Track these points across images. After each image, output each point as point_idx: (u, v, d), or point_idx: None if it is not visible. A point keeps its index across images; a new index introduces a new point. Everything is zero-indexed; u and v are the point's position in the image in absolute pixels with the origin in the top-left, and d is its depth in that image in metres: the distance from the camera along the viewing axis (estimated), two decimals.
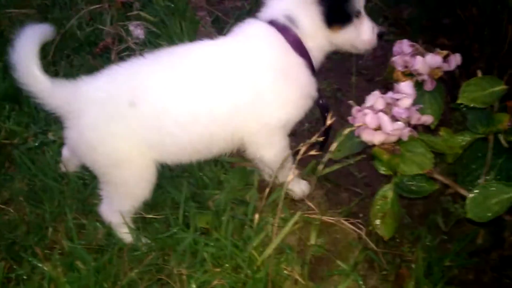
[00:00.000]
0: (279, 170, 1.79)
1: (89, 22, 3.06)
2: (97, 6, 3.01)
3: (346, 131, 1.48)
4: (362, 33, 1.87)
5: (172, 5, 2.90)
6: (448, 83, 2.53)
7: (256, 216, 1.64)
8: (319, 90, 1.94)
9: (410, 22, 3.24)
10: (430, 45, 3.16)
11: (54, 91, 1.70)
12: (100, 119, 1.69)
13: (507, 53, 2.55)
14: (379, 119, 1.44)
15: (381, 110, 1.45)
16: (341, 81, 2.86)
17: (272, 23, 1.81)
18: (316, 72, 1.90)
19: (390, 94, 1.49)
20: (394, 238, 1.95)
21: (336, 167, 1.94)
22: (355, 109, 1.52)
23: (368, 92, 1.67)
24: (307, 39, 1.82)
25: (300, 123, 2.56)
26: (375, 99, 1.47)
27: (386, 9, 3.35)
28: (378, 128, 1.45)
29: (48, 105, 1.72)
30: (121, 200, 1.80)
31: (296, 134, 2.51)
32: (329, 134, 1.89)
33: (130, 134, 1.69)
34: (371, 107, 1.47)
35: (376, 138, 1.45)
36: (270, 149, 1.87)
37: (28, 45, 1.66)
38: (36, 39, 1.67)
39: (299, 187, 1.99)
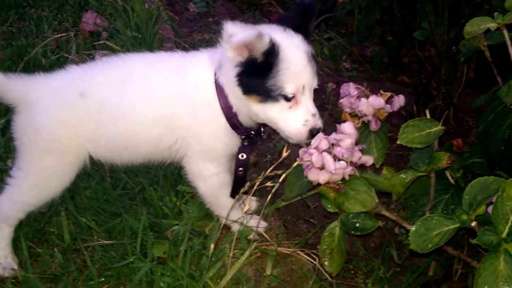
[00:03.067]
0: (214, 205, 1.89)
1: (54, 50, 3.07)
2: (64, 34, 3.03)
3: (292, 169, 1.53)
4: (288, 120, 1.69)
5: (139, 36, 2.94)
6: (407, 120, 2.63)
7: (212, 246, 1.65)
8: (247, 147, 1.86)
9: (373, 59, 3.36)
10: (391, 82, 3.29)
11: (9, 83, 1.79)
12: (52, 106, 1.80)
13: (462, 91, 2.67)
14: (323, 159, 1.48)
15: (325, 150, 1.50)
16: None
17: (213, 63, 1.79)
18: (241, 126, 1.80)
19: (333, 135, 1.54)
20: (349, 269, 1.99)
21: (294, 199, 1.96)
22: (301, 150, 1.56)
23: (332, 127, 1.71)
24: (228, 93, 1.75)
25: (263, 154, 2.62)
26: (319, 139, 1.52)
27: (350, 47, 3.46)
28: (323, 168, 1.50)
29: (3, 98, 1.81)
30: (30, 190, 1.84)
31: (258, 166, 2.55)
32: (243, 182, 1.81)
33: (75, 124, 1.79)
34: (316, 148, 1.52)
35: (321, 177, 1.49)
36: (202, 181, 1.89)
37: None
38: None
39: (253, 224, 1.95)
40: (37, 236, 1.95)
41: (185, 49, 3.15)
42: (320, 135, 1.56)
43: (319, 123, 1.69)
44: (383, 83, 3.22)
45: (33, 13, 3.58)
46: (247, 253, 1.72)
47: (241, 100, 1.71)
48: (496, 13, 1.63)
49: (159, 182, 2.18)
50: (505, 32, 1.64)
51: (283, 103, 1.67)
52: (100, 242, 1.89)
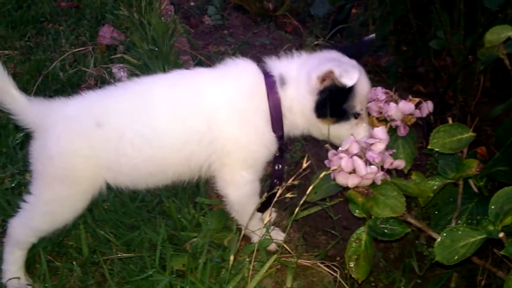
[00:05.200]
0: (240, 214, 1.88)
1: (72, 64, 3.11)
2: (82, 48, 3.06)
3: (322, 174, 1.52)
4: (359, 134, 1.78)
5: (156, 49, 2.96)
6: (424, 129, 2.61)
7: (231, 258, 1.64)
8: (281, 158, 1.92)
9: (388, 69, 3.35)
10: (406, 92, 3.28)
11: (29, 107, 1.80)
12: (65, 133, 1.78)
13: (479, 100, 2.64)
14: (354, 163, 1.47)
15: (356, 154, 1.49)
16: None
17: (265, 72, 1.84)
18: (283, 139, 1.87)
19: (364, 138, 1.54)
20: (369, 281, 1.97)
21: (313, 210, 1.95)
22: (331, 152, 1.56)
23: None
24: (286, 109, 1.82)
25: None
26: (350, 143, 1.51)
27: (364, 57, 3.45)
28: (353, 172, 1.49)
29: (23, 121, 1.81)
30: (42, 217, 1.83)
31: None
32: (272, 199, 1.79)
33: (91, 153, 1.76)
34: (346, 151, 1.51)
35: (350, 182, 1.49)
36: (234, 189, 1.88)
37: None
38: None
39: (275, 236, 1.96)
40: (56, 250, 1.96)
41: (201, 61, 3.17)
42: (351, 138, 1.55)
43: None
44: (398, 92, 3.20)
45: (51, 28, 3.61)
46: (267, 265, 1.71)
47: (310, 121, 1.83)
48: None
49: (177, 195, 2.18)
50: None
51: (352, 120, 1.81)
52: (119, 255, 1.89)
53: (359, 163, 1.48)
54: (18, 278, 1.84)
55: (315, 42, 3.09)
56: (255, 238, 1.92)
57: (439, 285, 1.87)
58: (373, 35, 1.96)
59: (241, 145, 1.81)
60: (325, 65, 1.73)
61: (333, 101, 1.77)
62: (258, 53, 3.72)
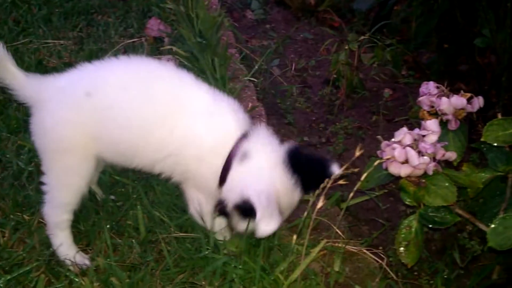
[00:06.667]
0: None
1: (123, 55, 3.22)
2: (134, 40, 3.18)
3: (376, 163, 1.59)
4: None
5: (204, 42, 3.05)
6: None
7: (294, 237, 1.71)
8: None
9: (429, 67, 3.38)
10: (448, 90, 3.30)
11: (27, 83, 1.88)
12: (59, 105, 1.84)
13: None
14: (407, 153, 1.54)
15: (409, 145, 1.56)
16: (362, 119, 2.98)
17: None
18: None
19: (417, 130, 1.60)
20: (413, 270, 2.03)
21: (363, 198, 2.02)
22: (384, 143, 1.63)
23: (388, 131, 1.78)
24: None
25: None
26: (403, 134, 1.58)
27: (410, 53, 3.50)
28: (405, 162, 1.56)
29: (22, 96, 1.89)
30: (60, 191, 1.90)
31: None
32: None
33: (80, 123, 1.82)
34: (399, 142, 1.58)
35: (403, 171, 1.56)
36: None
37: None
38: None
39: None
40: (115, 228, 2.07)
41: (246, 55, 3.27)
42: (404, 129, 1.62)
43: None
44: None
45: (101, 19, 3.75)
46: (317, 248, 1.79)
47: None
48: None
49: None
50: None
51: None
52: (176, 234, 1.99)
53: (412, 153, 1.55)
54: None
55: (359, 38, 3.13)
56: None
57: (481, 277, 1.92)
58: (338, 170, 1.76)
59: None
60: (253, 196, 1.71)
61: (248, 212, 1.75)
62: (299, 48, 3.80)
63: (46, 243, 1.96)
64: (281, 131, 2.86)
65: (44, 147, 1.89)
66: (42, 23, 3.57)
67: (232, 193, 1.80)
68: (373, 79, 3.29)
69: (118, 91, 1.83)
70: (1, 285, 1.79)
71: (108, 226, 2.03)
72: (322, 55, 3.59)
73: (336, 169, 1.74)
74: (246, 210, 1.74)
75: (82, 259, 1.94)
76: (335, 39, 3.50)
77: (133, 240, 1.98)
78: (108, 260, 1.89)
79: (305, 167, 1.77)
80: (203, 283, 1.80)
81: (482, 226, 1.62)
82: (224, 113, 1.86)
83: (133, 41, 3.29)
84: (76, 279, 1.83)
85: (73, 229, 2.03)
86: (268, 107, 2.95)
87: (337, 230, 1.89)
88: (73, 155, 1.86)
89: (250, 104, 2.70)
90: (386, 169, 1.62)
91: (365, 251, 1.96)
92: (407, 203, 1.62)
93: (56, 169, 1.89)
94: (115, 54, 3.15)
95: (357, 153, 1.66)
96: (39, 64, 3.07)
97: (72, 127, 1.83)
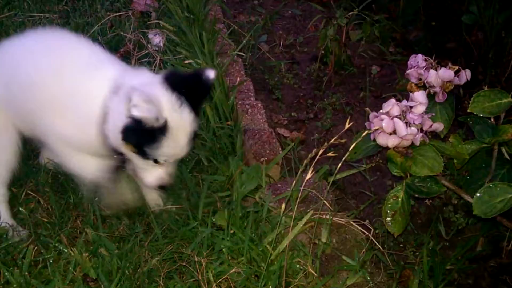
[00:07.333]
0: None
1: (110, 29, 3.19)
2: (121, 13, 3.14)
3: (364, 134, 1.60)
4: (146, 172, 1.81)
5: (192, 16, 3.03)
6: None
7: (283, 206, 1.71)
8: None
9: (417, 44, 3.38)
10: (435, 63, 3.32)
11: None
12: None
13: (510, 75, 2.69)
14: (395, 124, 1.56)
15: (397, 116, 1.58)
16: (350, 95, 2.99)
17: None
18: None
19: (404, 102, 1.62)
20: (398, 242, 2.07)
21: (351, 172, 2.04)
22: (372, 114, 1.64)
23: (376, 107, 1.79)
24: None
25: (310, 133, 2.70)
26: (391, 105, 1.60)
27: (398, 30, 3.50)
28: (393, 133, 1.57)
29: None
30: None
31: (306, 144, 2.64)
32: None
33: None
34: (387, 113, 1.59)
35: (390, 142, 1.57)
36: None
37: None
38: None
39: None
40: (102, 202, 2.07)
41: (234, 30, 3.25)
42: (392, 100, 1.63)
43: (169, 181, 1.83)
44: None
45: None
46: (304, 219, 1.80)
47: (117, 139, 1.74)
48: None
49: (215, 155, 2.28)
50: None
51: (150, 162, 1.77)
52: (164, 207, 2.00)
53: (400, 124, 1.56)
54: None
55: (347, 14, 3.12)
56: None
57: (466, 248, 1.95)
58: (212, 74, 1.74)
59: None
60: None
61: (139, 135, 1.68)
62: (288, 24, 3.78)
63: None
64: (269, 107, 2.87)
65: None
66: None
67: (116, 127, 1.71)
68: (361, 56, 3.29)
69: (25, 54, 1.86)
70: None
71: (96, 198, 2.02)
72: (311, 31, 3.57)
73: (211, 74, 1.73)
74: (134, 131, 1.67)
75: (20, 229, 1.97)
76: (323, 16, 3.48)
77: (122, 212, 1.99)
78: (97, 232, 1.90)
79: (182, 83, 1.72)
80: (191, 253, 1.82)
81: (467, 198, 1.64)
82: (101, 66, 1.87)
83: (120, 15, 3.25)
84: (65, 250, 1.83)
85: (62, 201, 2.04)
86: (256, 83, 2.95)
87: (325, 202, 1.91)
88: None
89: (238, 79, 2.70)
90: (374, 140, 1.63)
91: (352, 222, 1.98)
92: (394, 173, 1.64)
93: None
94: (102, 28, 3.12)
95: (347, 126, 1.67)
96: None
97: None
